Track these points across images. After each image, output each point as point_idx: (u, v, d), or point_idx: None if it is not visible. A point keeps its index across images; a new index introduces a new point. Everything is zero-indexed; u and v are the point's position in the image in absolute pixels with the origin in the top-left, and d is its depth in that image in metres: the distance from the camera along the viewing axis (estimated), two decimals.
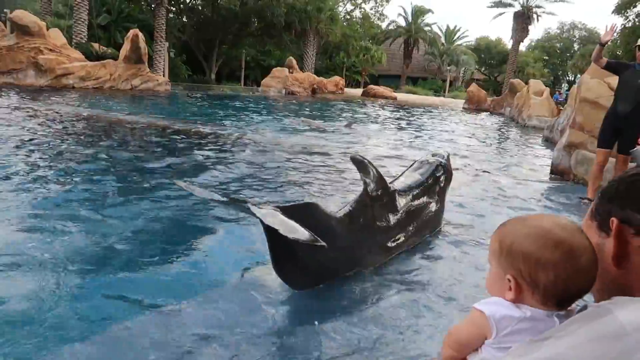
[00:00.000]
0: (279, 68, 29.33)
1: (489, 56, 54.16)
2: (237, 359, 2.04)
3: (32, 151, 6.14)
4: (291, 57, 32.03)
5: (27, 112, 10.04)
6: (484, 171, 7.40)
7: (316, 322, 2.37)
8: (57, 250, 2.95)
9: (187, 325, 2.23)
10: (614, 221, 0.81)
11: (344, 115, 17.17)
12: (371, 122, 15.65)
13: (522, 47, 46.14)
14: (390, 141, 10.46)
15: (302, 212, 2.53)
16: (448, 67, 48.95)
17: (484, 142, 12.05)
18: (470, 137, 12.71)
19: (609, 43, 5.57)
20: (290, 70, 29.69)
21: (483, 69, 55.51)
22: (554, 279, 0.88)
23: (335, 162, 7.00)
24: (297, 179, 5.67)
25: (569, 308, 0.95)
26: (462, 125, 16.97)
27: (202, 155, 6.83)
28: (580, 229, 0.92)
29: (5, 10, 22.49)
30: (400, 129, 13.94)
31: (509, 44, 44.25)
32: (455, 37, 53.38)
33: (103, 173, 5.26)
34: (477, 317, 0.97)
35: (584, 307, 0.74)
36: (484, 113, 24.71)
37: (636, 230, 0.79)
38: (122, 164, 5.89)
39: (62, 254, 2.91)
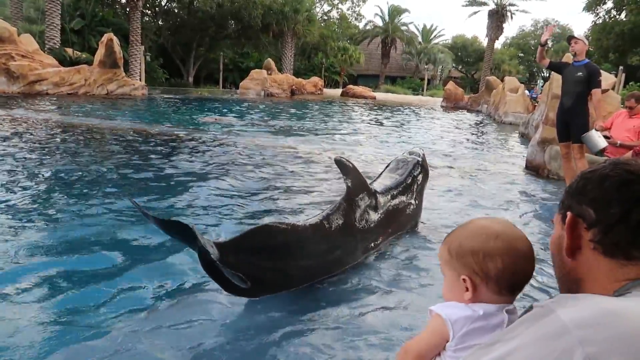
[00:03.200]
0: (257, 70, 29.18)
1: (466, 54, 54.82)
2: None
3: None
4: (269, 59, 31.92)
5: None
6: (459, 168, 7.50)
7: (289, 327, 2.37)
8: None
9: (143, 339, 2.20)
10: (568, 215, 0.85)
11: (322, 117, 17.19)
12: (350, 122, 15.70)
13: (498, 44, 46.89)
14: (370, 141, 10.52)
15: (254, 238, 2.52)
16: (425, 66, 49.36)
17: (460, 139, 12.19)
18: (447, 135, 12.85)
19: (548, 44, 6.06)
20: (269, 72, 29.58)
21: (460, 67, 56.17)
22: (502, 266, 0.99)
23: (318, 165, 7.01)
24: (278, 183, 5.66)
25: (514, 304, 1.03)
26: (440, 123, 17.14)
27: (177, 161, 6.77)
28: (511, 223, 1.05)
29: None
30: (380, 128, 14.02)
31: (484, 42, 44.85)
32: (432, 36, 53.86)
33: (66, 182, 5.18)
34: (435, 322, 1.03)
35: (530, 308, 0.76)
36: (462, 110, 24.99)
37: (589, 224, 0.82)
38: (87, 172, 5.80)
39: None
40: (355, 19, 49.45)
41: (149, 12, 35.86)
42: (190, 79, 36.46)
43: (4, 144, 7.18)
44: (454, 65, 53.60)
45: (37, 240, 3.30)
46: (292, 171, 6.37)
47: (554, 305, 0.70)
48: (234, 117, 14.11)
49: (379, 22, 49.89)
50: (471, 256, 1.01)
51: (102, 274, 2.86)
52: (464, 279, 1.02)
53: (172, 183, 5.42)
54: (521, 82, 22.48)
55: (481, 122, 18.57)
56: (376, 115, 19.30)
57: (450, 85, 29.33)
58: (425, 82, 46.71)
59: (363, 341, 2.28)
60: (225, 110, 16.67)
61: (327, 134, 11.31)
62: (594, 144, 5.46)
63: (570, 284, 0.87)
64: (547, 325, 0.67)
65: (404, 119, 18.23)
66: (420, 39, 53.22)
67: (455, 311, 1.00)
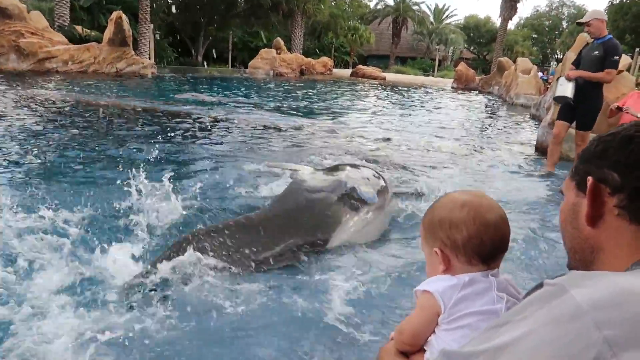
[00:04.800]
0: (266, 49, 28.95)
1: (478, 35, 53.94)
2: None
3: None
4: (279, 38, 31.62)
5: (7, 96, 9.86)
6: (467, 150, 7.45)
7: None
8: None
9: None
10: (590, 180, 0.79)
11: (333, 97, 17.08)
12: (360, 102, 15.60)
13: (511, 25, 46.02)
14: (375, 122, 10.45)
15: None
16: (437, 47, 48.67)
17: (470, 120, 12.08)
18: (457, 116, 12.73)
19: None
20: (278, 52, 29.34)
21: (472, 47, 55.33)
22: (468, 235, 0.99)
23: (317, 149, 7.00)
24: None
25: (498, 269, 1.04)
26: (450, 105, 16.97)
27: (185, 139, 6.79)
28: (484, 194, 1.05)
29: None
30: (388, 109, 13.91)
31: (497, 22, 44.00)
32: (443, 16, 52.99)
33: (73, 159, 5.22)
34: (424, 298, 1.02)
35: (540, 285, 0.70)
36: (473, 92, 24.70)
37: (613, 189, 0.77)
38: (98, 150, 5.83)
39: None
40: None
41: None
42: (200, 58, 36.24)
43: (11, 120, 7.22)
44: (465, 46, 52.81)
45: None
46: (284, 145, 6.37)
47: (567, 283, 0.65)
48: (241, 95, 14.06)
49: (390, 2, 49.16)
50: (439, 227, 1.02)
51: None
52: (436, 252, 1.03)
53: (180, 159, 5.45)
54: (534, 64, 22.12)
55: (492, 104, 18.36)
56: (385, 95, 19.14)
57: (462, 66, 28.94)
58: (436, 63, 46.11)
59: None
60: (235, 89, 16.62)
61: (332, 113, 11.26)
62: (563, 88, 5.25)
63: (586, 254, 0.82)
64: (560, 306, 0.62)
65: (413, 99, 18.06)
66: (432, 19, 52.36)
67: (440, 283, 1.00)
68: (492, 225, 0.99)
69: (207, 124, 8.19)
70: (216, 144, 6.63)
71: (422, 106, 15.56)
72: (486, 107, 17.39)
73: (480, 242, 0.99)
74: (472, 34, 53.41)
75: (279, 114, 10.42)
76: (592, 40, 5.40)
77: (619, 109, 5.48)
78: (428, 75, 41.62)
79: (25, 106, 8.71)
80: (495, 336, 0.67)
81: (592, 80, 5.27)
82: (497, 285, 0.99)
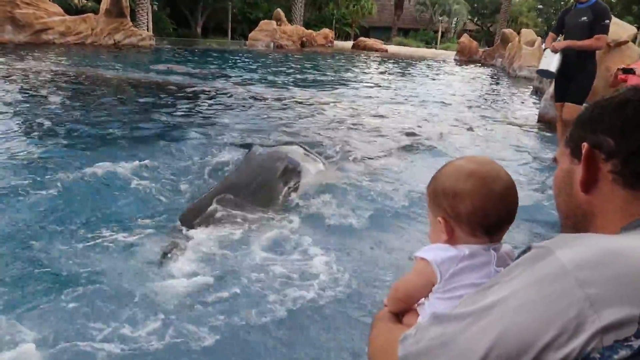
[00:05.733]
0: (266, 21, 28.49)
1: (482, 6, 52.88)
2: None
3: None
4: (279, 10, 31.09)
5: (3, 69, 9.75)
6: (469, 123, 7.38)
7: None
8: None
9: None
10: (584, 146, 0.78)
11: (333, 70, 16.89)
12: (359, 75, 15.43)
13: None
14: (379, 96, 10.35)
15: None
16: (440, 18, 47.87)
17: (473, 92, 11.95)
18: (459, 88, 12.59)
19: None
20: (279, 23, 28.88)
21: (475, 19, 54.36)
22: (472, 207, 0.95)
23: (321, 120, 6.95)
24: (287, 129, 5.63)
25: (501, 243, 1.00)
26: (452, 77, 16.78)
27: (188, 111, 6.74)
28: (493, 161, 0.99)
29: None
30: (389, 82, 13.76)
31: None
32: None
33: (75, 133, 5.18)
34: (421, 265, 1.00)
35: (528, 249, 0.71)
36: (476, 64, 24.38)
37: (607, 155, 0.76)
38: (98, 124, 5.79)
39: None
40: None
41: None
42: (199, 30, 35.74)
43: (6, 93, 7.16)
44: (469, 17, 51.86)
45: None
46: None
47: (553, 245, 0.66)
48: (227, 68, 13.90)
49: None
50: (443, 197, 0.98)
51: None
52: (439, 220, 1.00)
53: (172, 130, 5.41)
54: (539, 36, 21.74)
55: (495, 76, 18.15)
56: (386, 68, 18.92)
57: (465, 38, 28.50)
58: (439, 34, 45.42)
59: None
60: (235, 61, 16.42)
61: (331, 87, 11.14)
62: (547, 61, 4.74)
63: (579, 220, 0.82)
64: (545, 267, 0.64)
65: (414, 72, 17.85)
66: None
67: (439, 253, 0.98)
68: (498, 197, 0.95)
69: (201, 95, 8.12)
70: (214, 117, 6.58)
71: (423, 78, 15.39)
72: (490, 78, 17.19)
73: (484, 214, 0.95)
74: (475, 5, 52.38)
75: (282, 88, 10.32)
76: (575, 3, 4.82)
77: (627, 70, 4.99)
78: (431, 48, 41.06)
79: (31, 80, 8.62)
80: (483, 298, 0.68)
81: (582, 50, 4.74)
82: (497, 260, 0.96)
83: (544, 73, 5.03)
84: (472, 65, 23.48)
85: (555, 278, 0.61)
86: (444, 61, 25.43)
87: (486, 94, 12.26)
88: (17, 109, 6.10)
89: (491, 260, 0.96)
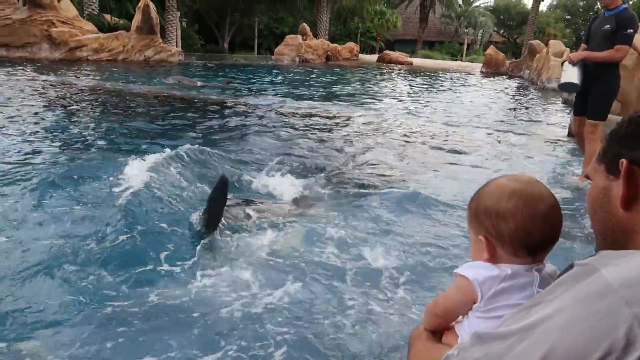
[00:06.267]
0: (292, 35, 28.84)
1: (508, 17, 52.38)
2: None
3: (37, 123, 6.22)
4: (304, 24, 31.43)
5: (42, 84, 10.12)
6: (498, 135, 7.29)
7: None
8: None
9: None
10: (623, 162, 0.76)
11: (357, 81, 16.95)
12: (385, 88, 15.43)
13: (543, 6, 44.71)
14: (405, 109, 10.32)
15: None
16: (465, 30, 47.60)
17: (500, 105, 11.81)
18: (486, 101, 12.46)
19: None
20: (304, 38, 29.18)
21: (502, 31, 53.83)
22: (514, 227, 0.93)
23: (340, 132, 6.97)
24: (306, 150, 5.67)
25: (544, 263, 0.99)
26: (479, 89, 16.62)
27: (217, 125, 6.85)
28: (537, 180, 0.98)
29: None
30: (413, 95, 13.72)
31: (528, 3, 42.73)
32: None
33: (110, 145, 5.32)
34: (461, 282, 1.00)
35: (570, 266, 0.71)
36: (502, 76, 24.11)
37: None
38: (130, 136, 5.94)
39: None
40: None
41: None
42: (226, 45, 36.35)
43: (46, 107, 7.41)
44: (495, 29, 51.42)
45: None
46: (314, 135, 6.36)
47: (597, 263, 0.66)
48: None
49: None
50: (485, 216, 0.97)
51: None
52: (480, 239, 0.98)
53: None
54: (567, 47, 21.39)
55: (523, 88, 17.90)
56: (411, 81, 18.87)
57: (491, 50, 28.23)
58: (465, 47, 45.12)
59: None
60: (261, 75, 16.65)
61: (357, 100, 11.17)
62: (568, 74, 4.41)
63: (619, 237, 0.79)
64: (590, 284, 0.63)
65: (440, 84, 17.76)
66: (460, 1, 51.14)
67: (481, 272, 0.97)
68: (541, 217, 0.93)
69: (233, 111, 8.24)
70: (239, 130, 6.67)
71: (449, 91, 15.29)
72: (517, 91, 16.97)
73: (527, 234, 0.93)
74: (502, 17, 51.90)
75: (314, 102, 10.40)
76: (604, 10, 4.48)
77: None
78: (456, 60, 40.80)
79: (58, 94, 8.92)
80: (527, 316, 0.68)
81: (602, 61, 4.38)
82: (539, 281, 0.95)
83: (565, 87, 4.70)
84: (499, 78, 23.22)
85: (601, 296, 0.61)
86: (470, 73, 25.21)
87: (514, 106, 12.10)
88: (50, 121, 6.32)
89: (534, 281, 0.95)
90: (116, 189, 3.57)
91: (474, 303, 0.98)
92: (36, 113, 6.83)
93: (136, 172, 3.78)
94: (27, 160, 4.42)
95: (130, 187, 3.55)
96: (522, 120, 9.56)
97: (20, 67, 12.81)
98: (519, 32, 49.33)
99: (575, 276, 0.67)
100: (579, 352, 0.59)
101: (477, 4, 51.53)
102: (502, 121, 8.85)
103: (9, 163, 4.28)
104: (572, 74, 4.46)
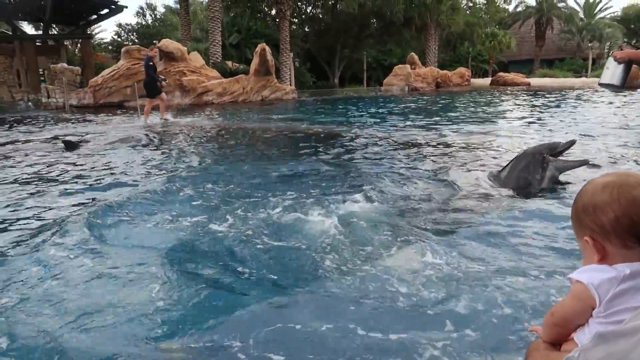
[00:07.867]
0: (400, 65, 29.09)
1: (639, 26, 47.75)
2: None
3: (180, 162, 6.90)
4: (413, 53, 31.57)
5: (185, 126, 11.30)
6: (630, 159, 6.58)
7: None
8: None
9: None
10: None
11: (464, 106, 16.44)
12: (497, 111, 14.77)
13: None
14: (529, 132, 9.79)
15: None
16: (589, 44, 44.15)
17: (634, 124, 10.67)
18: (621, 118, 11.34)
19: None
20: (413, 67, 29.26)
21: (633, 41, 49.04)
22: (614, 216, 0.91)
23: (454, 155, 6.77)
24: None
25: None
26: (610, 106, 15.20)
27: (329, 157, 7.08)
28: (631, 172, 0.96)
29: (154, 41, 25.52)
30: (532, 117, 12.95)
31: None
32: (596, 10, 48.03)
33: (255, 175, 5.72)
34: (577, 289, 0.96)
35: None
36: (635, 91, 21.80)
37: None
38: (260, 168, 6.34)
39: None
40: (504, 1, 46.22)
41: (296, 20, 37.95)
42: (336, 80, 37.70)
43: (187, 146, 8.25)
44: (625, 40, 47.01)
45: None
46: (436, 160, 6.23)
47: None
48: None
49: (532, 2, 46.05)
50: (584, 214, 0.96)
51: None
52: (586, 240, 0.95)
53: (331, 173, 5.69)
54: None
55: None
56: (528, 102, 17.85)
57: None
58: (590, 61, 41.77)
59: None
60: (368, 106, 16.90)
61: (473, 125, 10.81)
62: (610, 73, 3.85)
63: None
64: None
65: (564, 103, 16.56)
66: (581, 14, 47.79)
67: (596, 275, 0.92)
68: (639, 202, 0.90)
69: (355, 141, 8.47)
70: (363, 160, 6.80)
71: (576, 109, 14.18)
72: None
73: (630, 221, 0.89)
74: (632, 26, 47.40)
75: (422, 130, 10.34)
76: None
77: None
78: (580, 77, 37.85)
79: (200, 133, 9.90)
80: None
81: None
82: None
83: (607, 87, 4.18)
84: (633, 93, 21.02)
85: None
86: (596, 90, 23.19)
87: None
88: (186, 158, 7.00)
89: None
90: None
91: (593, 309, 0.93)
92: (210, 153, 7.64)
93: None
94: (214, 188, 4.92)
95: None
96: None
97: (157, 114, 14.44)
98: None
99: None
100: None
101: (601, 15, 47.78)
102: (634, 144, 7.96)
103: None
104: (613, 73, 3.96)
